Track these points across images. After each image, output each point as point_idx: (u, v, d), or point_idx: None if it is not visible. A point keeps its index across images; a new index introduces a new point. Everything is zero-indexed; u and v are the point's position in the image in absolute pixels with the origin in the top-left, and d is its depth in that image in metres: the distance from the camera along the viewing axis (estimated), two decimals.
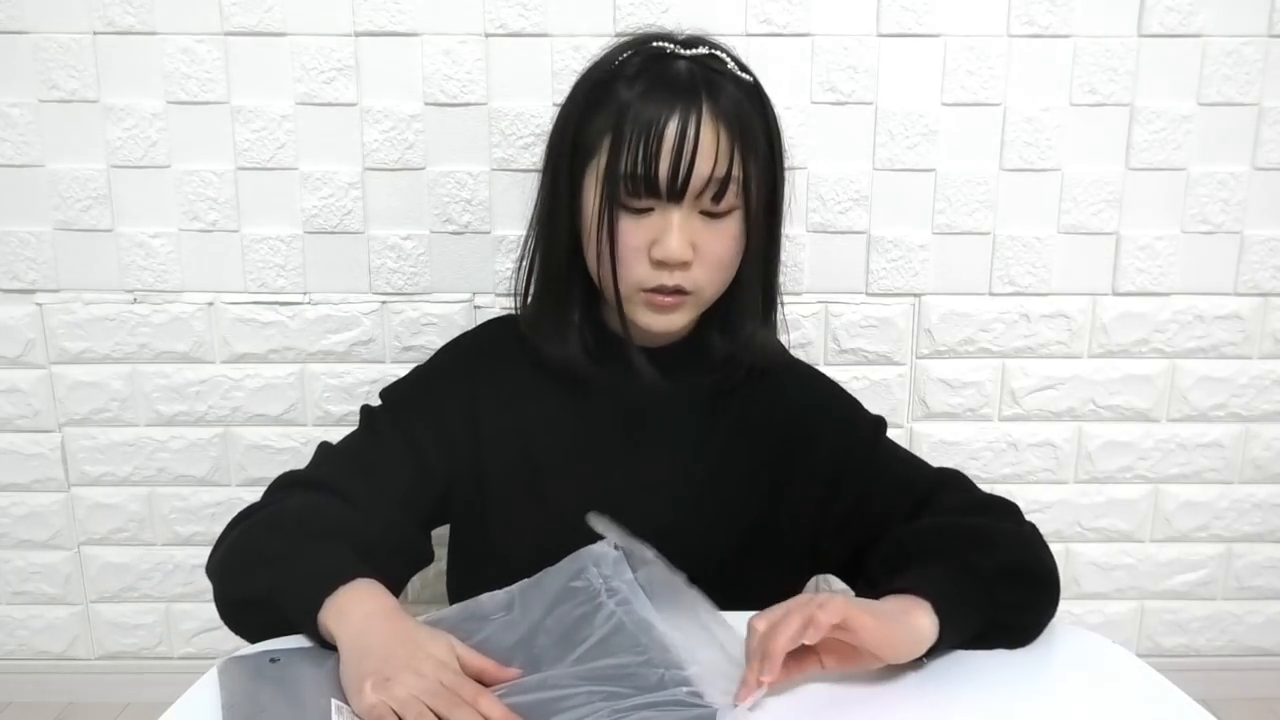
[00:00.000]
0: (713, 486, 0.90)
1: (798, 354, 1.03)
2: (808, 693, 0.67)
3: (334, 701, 0.62)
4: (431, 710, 0.60)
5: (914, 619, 0.69)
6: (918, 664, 0.70)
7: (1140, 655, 0.76)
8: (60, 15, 1.22)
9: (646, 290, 0.81)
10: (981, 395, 1.37)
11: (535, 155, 1.23)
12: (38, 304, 1.32)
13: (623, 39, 0.84)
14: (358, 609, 0.69)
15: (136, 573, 1.42)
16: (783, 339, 0.96)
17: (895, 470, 0.89)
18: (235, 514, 0.83)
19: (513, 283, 0.93)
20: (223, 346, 1.33)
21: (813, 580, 1.07)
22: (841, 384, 0.97)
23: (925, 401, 1.37)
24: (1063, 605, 0.77)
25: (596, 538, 0.76)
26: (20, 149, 1.27)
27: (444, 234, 1.30)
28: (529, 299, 0.91)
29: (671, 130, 0.76)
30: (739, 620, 0.68)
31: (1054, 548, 0.81)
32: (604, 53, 0.84)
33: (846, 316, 1.34)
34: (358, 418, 0.93)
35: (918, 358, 1.36)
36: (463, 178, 1.28)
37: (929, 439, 1.39)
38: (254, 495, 0.86)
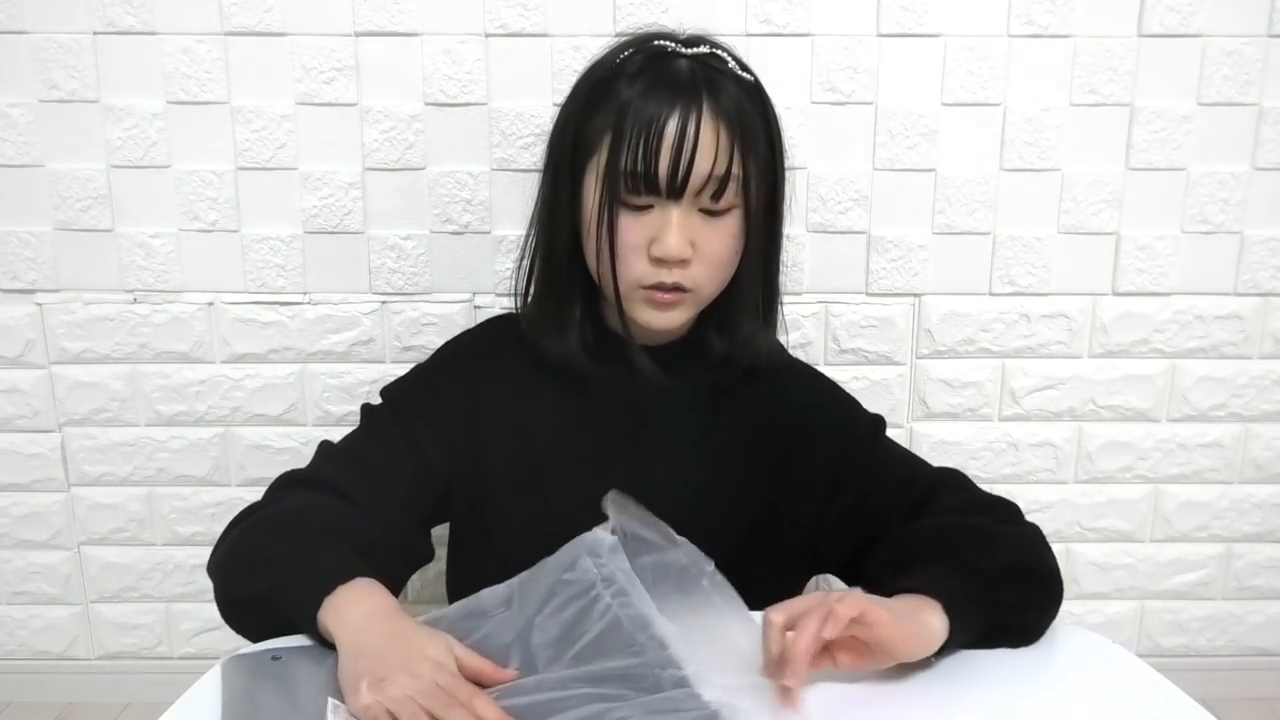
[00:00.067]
0: (712, 486, 0.90)
1: (798, 354, 1.03)
2: (813, 693, 0.67)
3: (330, 700, 0.63)
4: (426, 711, 0.60)
5: (926, 617, 0.69)
6: (925, 663, 0.70)
7: (1140, 655, 0.76)
8: (60, 15, 1.22)
9: (646, 287, 0.81)
10: (981, 395, 1.37)
11: (535, 155, 1.23)
12: (38, 304, 1.32)
13: (624, 38, 0.85)
14: (356, 609, 0.69)
15: (136, 573, 1.42)
16: (783, 339, 0.96)
17: (895, 470, 0.90)
18: (236, 513, 0.83)
19: (513, 282, 0.93)
20: (223, 346, 1.33)
21: (812, 581, 1.07)
22: (841, 384, 0.97)
23: (925, 401, 1.37)
24: (1063, 605, 0.77)
25: None
26: (20, 149, 1.27)
27: (444, 234, 1.30)
28: (529, 297, 0.91)
29: (672, 128, 0.76)
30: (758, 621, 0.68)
31: (1054, 548, 0.81)
32: (606, 51, 0.84)
33: (846, 316, 1.34)
34: (358, 417, 0.93)
35: (918, 358, 1.36)
36: (463, 178, 1.28)
37: (929, 439, 1.39)
38: (254, 495, 0.86)
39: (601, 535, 0.72)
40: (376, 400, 0.93)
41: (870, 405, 0.95)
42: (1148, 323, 1.35)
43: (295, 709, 0.63)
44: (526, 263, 0.91)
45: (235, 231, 1.30)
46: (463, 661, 0.66)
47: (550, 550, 0.76)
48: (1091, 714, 0.67)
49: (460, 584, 0.95)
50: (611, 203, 0.79)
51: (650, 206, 0.79)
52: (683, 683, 0.63)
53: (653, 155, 0.76)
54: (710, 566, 0.71)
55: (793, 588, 0.95)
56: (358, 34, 1.24)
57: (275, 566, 0.73)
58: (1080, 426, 1.39)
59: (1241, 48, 1.26)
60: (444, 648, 0.66)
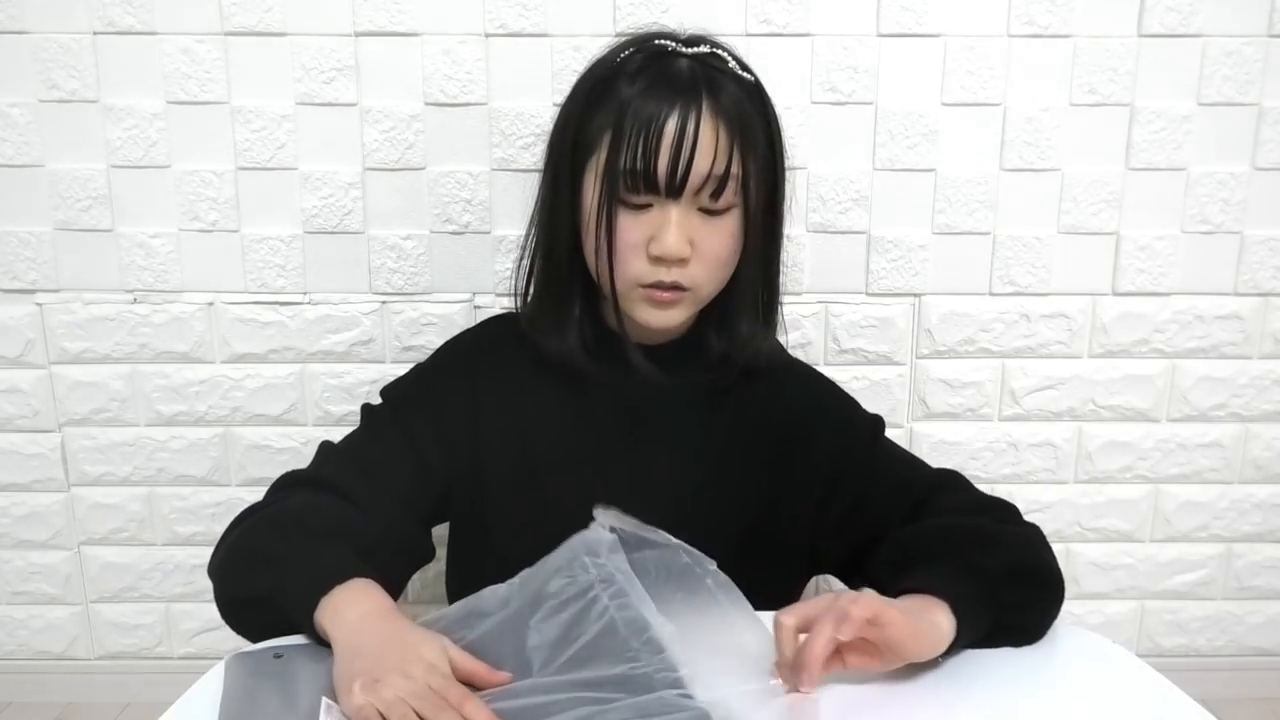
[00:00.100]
0: (711, 486, 0.90)
1: (797, 354, 1.03)
2: (819, 694, 0.66)
3: (324, 700, 0.63)
4: (417, 713, 0.60)
5: (934, 617, 0.69)
6: (929, 663, 0.70)
7: (1140, 655, 0.76)
8: (60, 15, 1.22)
9: (644, 286, 0.81)
10: (981, 395, 1.37)
11: (535, 155, 1.23)
12: (38, 304, 1.32)
13: (625, 37, 0.85)
14: (353, 609, 0.69)
15: (136, 573, 1.42)
16: (782, 339, 0.96)
17: (894, 470, 0.90)
18: (237, 514, 0.83)
19: (513, 281, 0.93)
20: (223, 346, 1.33)
21: (812, 581, 1.07)
22: (841, 384, 0.97)
23: (925, 401, 1.37)
24: (1063, 605, 0.77)
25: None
26: (20, 149, 1.27)
27: (444, 234, 1.30)
28: (529, 296, 0.91)
29: (671, 126, 0.76)
30: (763, 621, 0.68)
31: (1054, 548, 0.81)
32: (606, 51, 0.84)
33: (846, 316, 1.34)
34: (358, 417, 0.93)
35: (918, 358, 1.36)
36: (463, 178, 1.28)
37: (929, 439, 1.39)
38: (254, 495, 0.86)
39: (600, 533, 0.71)
40: (376, 400, 0.93)
41: (870, 405, 0.95)
42: (1148, 323, 1.35)
43: (292, 708, 0.63)
44: (526, 262, 0.91)
45: (235, 231, 1.30)
46: (457, 663, 0.66)
47: (550, 550, 0.76)
48: (1091, 714, 0.67)
49: (460, 584, 0.95)
50: (610, 201, 0.79)
51: (649, 205, 0.79)
52: (677, 684, 0.63)
53: (652, 154, 0.77)
54: (712, 566, 0.71)
55: (792, 588, 0.95)
56: (358, 34, 1.24)
57: (274, 566, 0.73)
58: (1080, 426, 1.39)
59: (1241, 48, 1.26)
60: (438, 649, 0.66)
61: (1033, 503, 1.40)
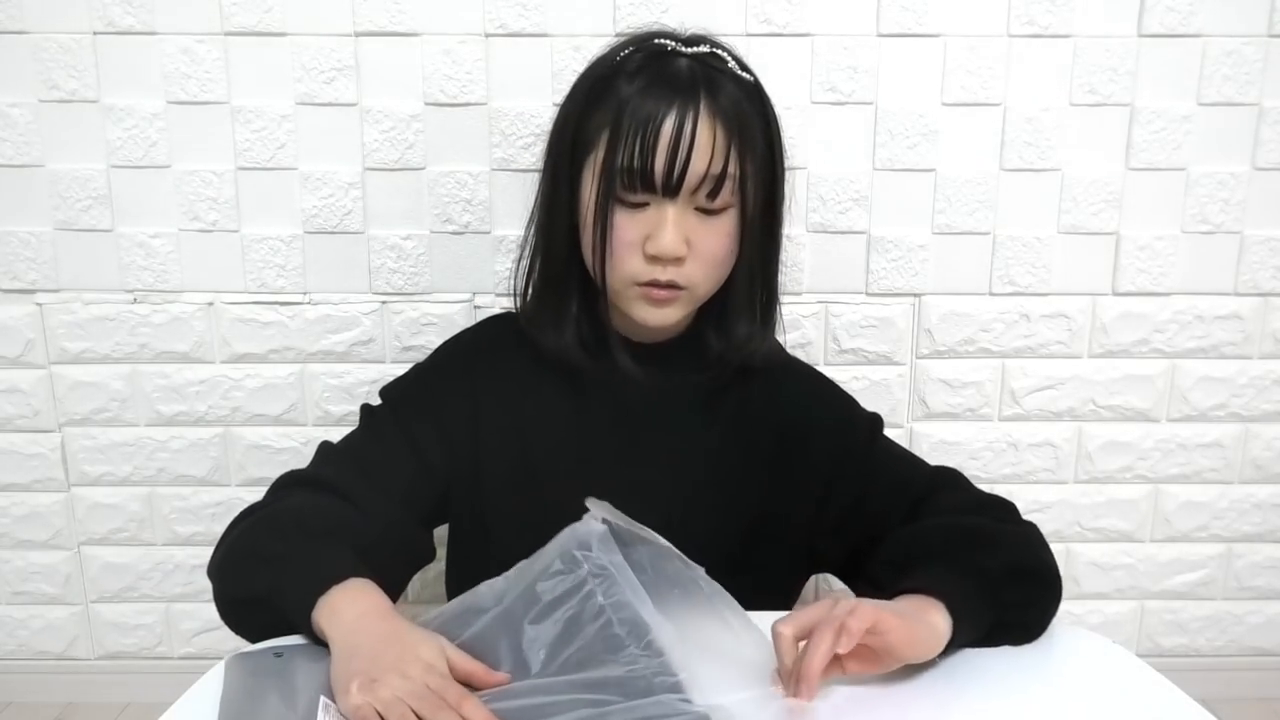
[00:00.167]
0: (710, 485, 0.90)
1: (797, 354, 1.03)
2: (818, 694, 0.66)
3: (322, 699, 0.63)
4: (415, 713, 0.60)
5: (931, 618, 0.69)
6: (927, 663, 0.70)
7: (1140, 655, 0.76)
8: (60, 15, 1.22)
9: (641, 284, 0.81)
10: (981, 395, 1.37)
11: (535, 155, 1.23)
12: (38, 304, 1.32)
13: (625, 37, 0.85)
14: (351, 609, 0.69)
15: (136, 573, 1.42)
16: (782, 339, 0.96)
17: (893, 469, 0.90)
18: (236, 514, 0.83)
19: (512, 280, 0.93)
20: (223, 346, 1.33)
21: (811, 580, 1.07)
22: (841, 384, 0.97)
23: (925, 401, 1.37)
24: (1063, 605, 0.77)
25: None
26: (20, 149, 1.27)
27: (444, 234, 1.30)
28: (529, 295, 0.91)
29: (669, 125, 0.76)
30: (760, 621, 0.68)
31: (1054, 548, 0.81)
32: (606, 49, 0.84)
33: (846, 316, 1.34)
34: (358, 417, 0.93)
35: (918, 358, 1.36)
36: (463, 178, 1.28)
37: (929, 439, 1.39)
38: (254, 495, 0.86)
39: (591, 525, 0.70)
40: (376, 400, 0.93)
41: (870, 405, 0.95)
42: (1148, 323, 1.35)
43: (290, 707, 0.63)
44: (526, 260, 0.91)
45: (235, 231, 1.30)
46: (454, 663, 0.66)
47: None
48: (1091, 714, 0.67)
49: (460, 584, 0.94)
50: (607, 199, 0.79)
51: (646, 204, 0.79)
52: (675, 688, 0.63)
53: (649, 152, 0.77)
54: (701, 571, 0.70)
55: (791, 587, 0.95)
56: (358, 34, 1.24)
57: (273, 566, 0.73)
58: (1080, 426, 1.39)
59: (1241, 48, 1.26)
60: (436, 649, 0.66)
61: (1033, 503, 1.40)
